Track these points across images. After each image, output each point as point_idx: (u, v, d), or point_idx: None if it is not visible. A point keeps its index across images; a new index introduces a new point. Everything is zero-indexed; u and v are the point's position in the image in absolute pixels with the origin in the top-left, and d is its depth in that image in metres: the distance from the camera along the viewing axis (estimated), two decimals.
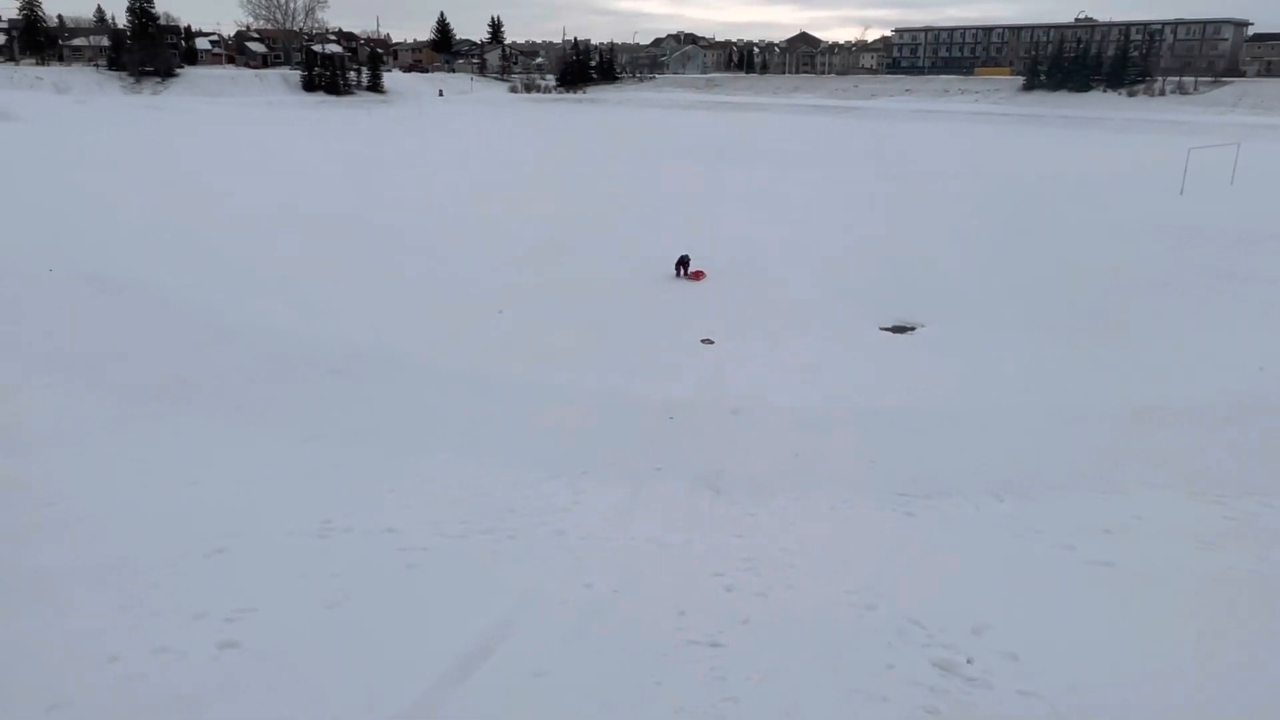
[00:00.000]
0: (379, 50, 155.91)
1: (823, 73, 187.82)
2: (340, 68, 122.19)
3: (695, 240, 26.98)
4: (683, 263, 23.55)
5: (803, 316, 20.26)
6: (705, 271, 23.64)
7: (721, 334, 18.67)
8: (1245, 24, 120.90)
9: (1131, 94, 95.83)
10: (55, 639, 5.94)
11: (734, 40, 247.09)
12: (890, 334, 19.09)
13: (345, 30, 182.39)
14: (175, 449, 11.58)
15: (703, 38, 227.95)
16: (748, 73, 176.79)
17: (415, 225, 30.57)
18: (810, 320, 19.96)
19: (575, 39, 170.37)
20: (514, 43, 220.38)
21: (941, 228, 30.83)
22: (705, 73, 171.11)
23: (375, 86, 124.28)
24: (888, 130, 77.14)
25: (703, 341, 18.20)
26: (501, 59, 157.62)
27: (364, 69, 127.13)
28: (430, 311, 20.16)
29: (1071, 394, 15.05)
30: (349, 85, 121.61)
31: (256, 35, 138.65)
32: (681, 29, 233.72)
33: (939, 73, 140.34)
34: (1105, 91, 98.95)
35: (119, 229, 28.08)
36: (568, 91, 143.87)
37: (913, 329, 19.38)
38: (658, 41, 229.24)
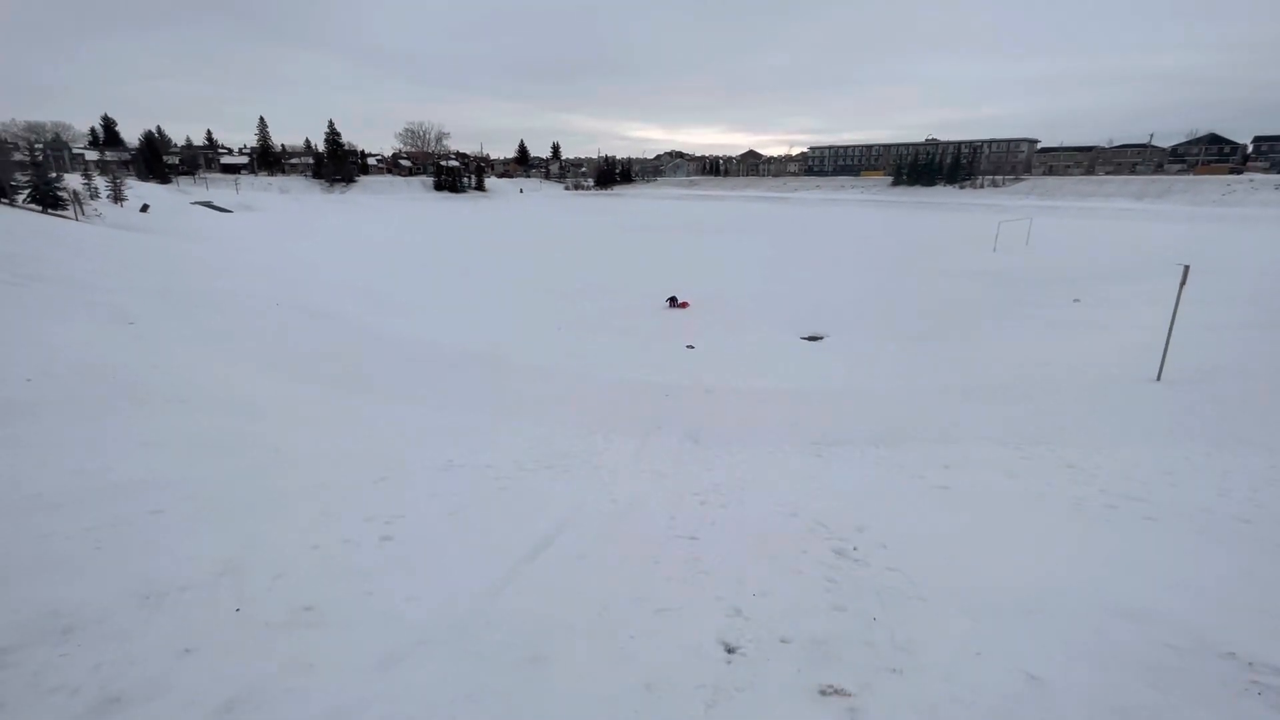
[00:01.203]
0: (482, 163, 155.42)
1: (764, 174, 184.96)
2: (458, 175, 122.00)
3: (681, 283, 26.81)
4: (672, 299, 23.34)
5: (753, 330, 20.15)
6: (689, 303, 23.48)
7: (700, 342, 18.65)
8: (1035, 141, 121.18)
9: (962, 187, 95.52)
10: (285, 535, 6.03)
11: (707, 155, 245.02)
12: (807, 342, 19.04)
13: (460, 151, 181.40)
14: (357, 414, 11.53)
15: (687, 153, 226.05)
16: (716, 175, 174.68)
17: (503, 269, 30.38)
18: (757, 332, 19.86)
19: (606, 155, 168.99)
20: (568, 158, 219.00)
21: (840, 272, 30.44)
22: (689, 175, 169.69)
23: (479, 186, 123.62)
24: (807, 211, 75.96)
25: (687, 347, 18.21)
26: (559, 169, 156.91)
27: (473, 175, 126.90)
28: (515, 326, 20.07)
29: (923, 379, 14.93)
30: (463, 186, 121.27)
31: (405, 155, 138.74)
32: (674, 148, 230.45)
33: (839, 174, 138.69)
34: (945, 185, 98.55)
35: (320, 279, 28.19)
36: (601, 189, 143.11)
37: (821, 338, 19.33)
38: (658, 156, 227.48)
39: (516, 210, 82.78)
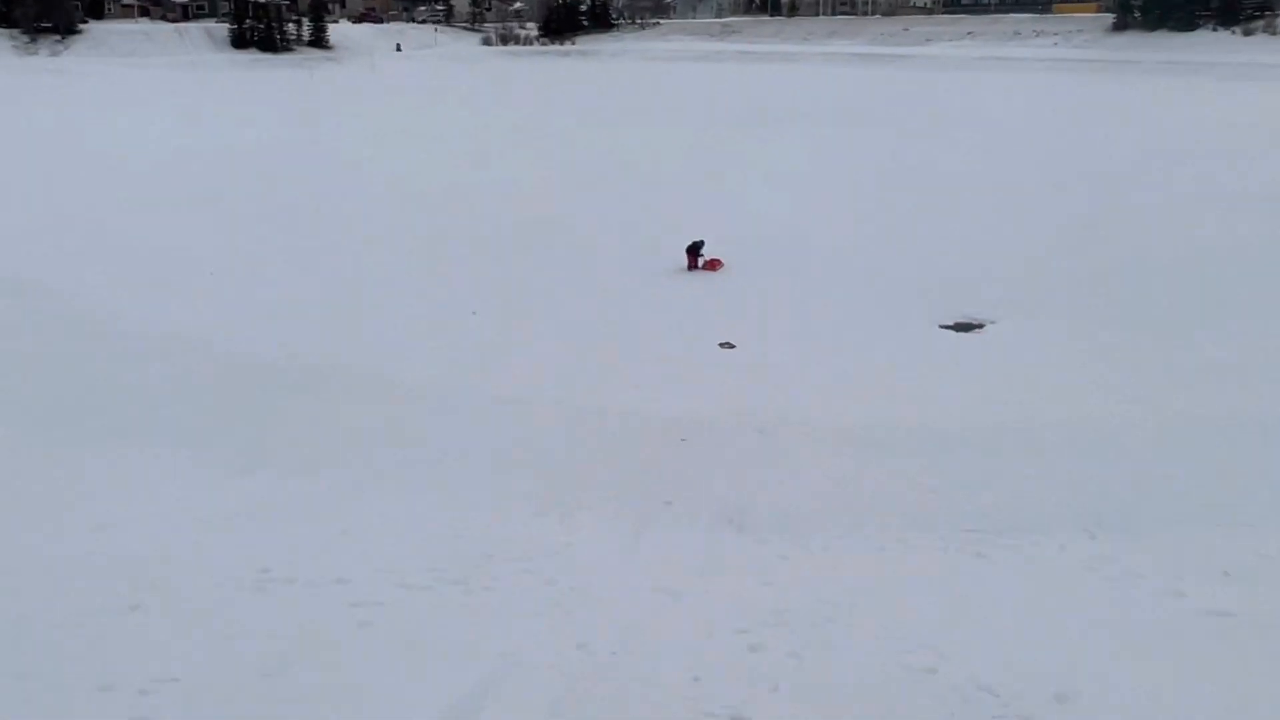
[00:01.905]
0: None
1: (865, 13, 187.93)
2: (277, 19, 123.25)
3: (710, 224, 27.38)
4: (695, 250, 23.79)
5: (844, 312, 20.53)
6: (722, 260, 23.91)
7: (744, 336, 18.96)
8: None
9: (1248, 33, 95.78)
10: None
11: None
12: (952, 332, 19.34)
13: None
14: (80, 484, 11.69)
15: None
16: (772, 15, 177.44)
17: (370, 212, 30.84)
18: (853, 317, 20.23)
19: None
20: None
21: (1015, 203, 30.99)
22: (720, 16, 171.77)
23: (319, 41, 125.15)
24: (945, 83, 77.27)
25: (721, 346, 18.49)
26: (472, 5, 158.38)
27: (305, 20, 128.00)
28: (391, 315, 20.53)
29: (1179, 403, 15.13)
30: (288, 40, 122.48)
31: None
32: None
33: (1008, 10, 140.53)
34: (1215, 30, 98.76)
35: (10, 223, 28.34)
36: (553, 43, 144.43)
37: (980, 326, 19.63)
38: None
39: (390, 87, 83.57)
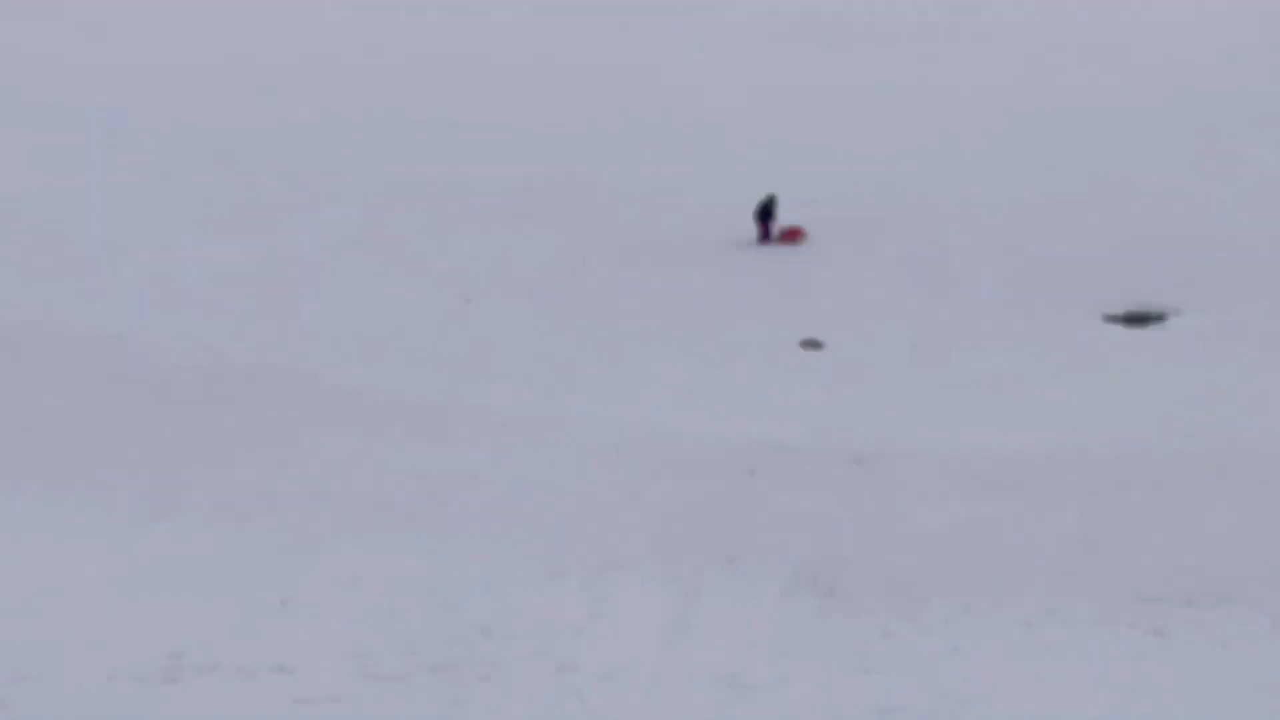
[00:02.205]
0: None
1: None
2: None
3: (787, 174, 27.07)
4: (767, 214, 23.87)
5: (971, 298, 20.59)
6: (804, 229, 23.97)
7: (834, 331, 19.05)
8: None
9: None
10: None
11: None
12: (1121, 326, 19.50)
13: None
14: None
15: None
16: None
17: (303, 153, 30.84)
18: (984, 304, 20.29)
19: None
20: None
21: (1211, 149, 30.50)
22: None
23: None
24: None
25: (804, 345, 18.66)
26: None
27: None
28: (353, 301, 20.69)
29: None
30: None
31: None
32: None
33: None
34: None
35: None
36: None
37: (1159, 318, 19.75)
38: None
39: None
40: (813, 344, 18.61)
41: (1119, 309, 20.06)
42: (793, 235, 23.75)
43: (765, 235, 23.76)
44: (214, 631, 9.56)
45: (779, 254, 23.22)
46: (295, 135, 34.12)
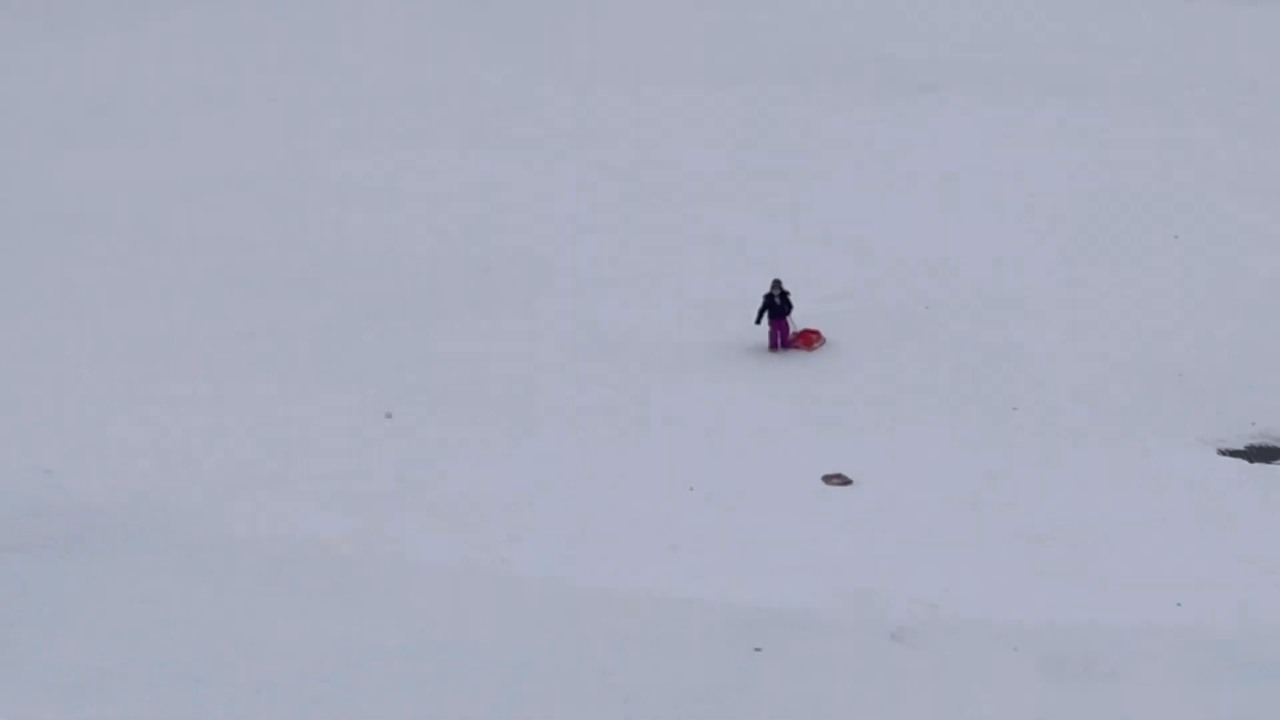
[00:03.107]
0: None
1: None
2: None
3: (800, 256, 27.84)
4: (776, 308, 23.95)
5: (1040, 421, 20.79)
6: (819, 332, 24.26)
7: (867, 464, 19.21)
8: None
9: None
10: None
11: None
12: (1243, 463, 19.58)
13: None
14: None
15: None
16: None
17: (165, 219, 31.35)
18: (1058, 430, 20.45)
19: None
20: None
21: None
22: None
23: None
24: (1227, 25, 77.35)
25: (828, 480, 18.84)
26: None
27: None
28: (236, 415, 20.93)
29: None
30: None
31: None
32: None
33: None
34: None
35: None
36: None
37: None
38: None
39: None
40: (838, 479, 18.72)
41: (1238, 440, 20.14)
42: (806, 340, 23.91)
43: (779, 340, 23.90)
44: None
45: (792, 361, 23.37)
46: (152, 191, 34.51)
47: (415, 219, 33.42)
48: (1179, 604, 15.32)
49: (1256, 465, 19.47)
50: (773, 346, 23.92)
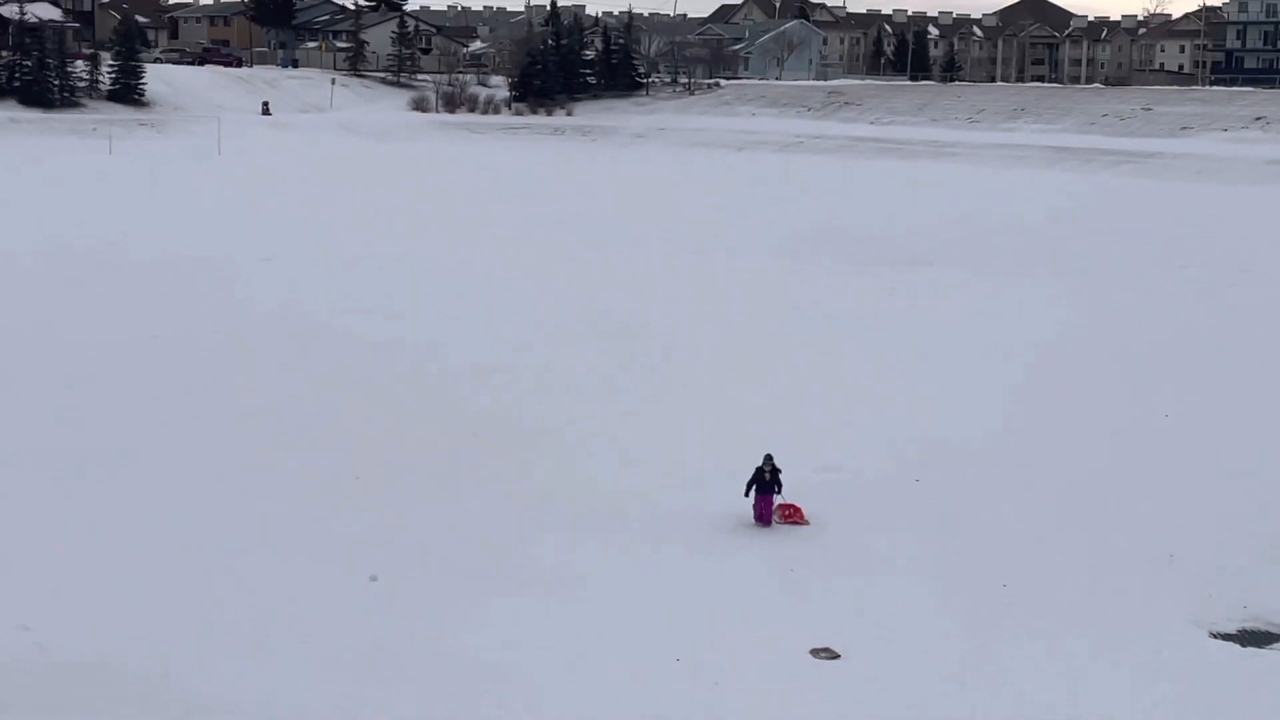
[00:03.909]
0: (138, 20, 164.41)
1: (1073, 80, 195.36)
2: (58, 52, 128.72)
3: (792, 426, 28.27)
4: (764, 483, 23.92)
5: (1036, 599, 20.84)
6: (800, 510, 24.25)
7: (855, 638, 19.23)
8: None
9: None
10: None
11: (882, 13, 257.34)
12: (1235, 647, 19.44)
13: None
14: None
15: (820, 6, 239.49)
16: (915, 78, 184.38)
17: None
18: (1046, 608, 20.52)
19: (553, 4, 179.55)
20: (424, 8, 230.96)
21: None
22: (825, 77, 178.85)
23: (129, 91, 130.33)
24: (1222, 203, 79.28)
25: (815, 654, 18.79)
26: (398, 43, 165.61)
27: (105, 56, 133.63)
28: (205, 571, 20.97)
29: None
30: (72, 88, 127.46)
31: None
32: None
33: None
34: None
35: None
36: (535, 111, 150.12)
37: None
38: (726, 12, 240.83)
39: (241, 189, 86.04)
40: (825, 653, 18.64)
41: (1229, 624, 20.04)
42: (790, 516, 23.95)
43: (765, 514, 23.86)
44: None
45: (780, 533, 23.57)
46: (146, 345, 34.97)
47: (405, 378, 33.93)
48: None
49: (1249, 649, 19.31)
50: (760, 521, 23.85)
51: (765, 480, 23.80)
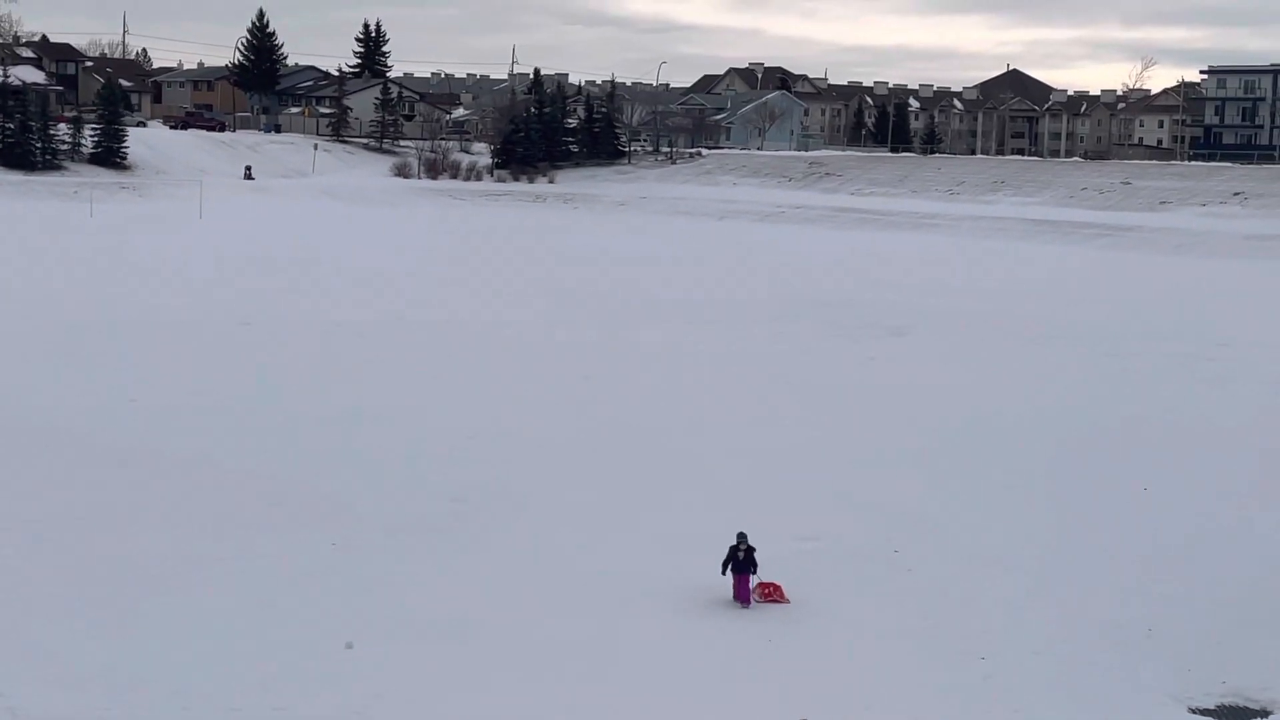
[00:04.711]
0: (122, 84, 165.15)
1: (1053, 153, 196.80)
2: (40, 114, 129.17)
3: (771, 495, 28.49)
4: (739, 563, 23.57)
5: (1013, 672, 20.85)
6: (780, 588, 23.90)
7: (835, 709, 19.23)
8: None
9: None
10: None
11: (864, 85, 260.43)
12: None
13: (55, 40, 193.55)
14: None
15: (802, 78, 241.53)
16: (895, 149, 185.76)
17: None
18: (1030, 681, 20.54)
19: (536, 73, 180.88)
20: (408, 75, 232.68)
21: None
22: (807, 147, 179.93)
23: (112, 155, 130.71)
24: (1201, 277, 79.81)
25: None
26: (381, 109, 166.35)
27: (89, 118, 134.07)
28: (180, 636, 20.99)
29: None
30: (55, 151, 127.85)
31: None
32: (759, 59, 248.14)
33: None
34: None
35: None
36: (518, 178, 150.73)
37: (1265, 716, 19.71)
38: (709, 82, 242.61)
39: (222, 250, 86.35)
40: None
41: (1208, 699, 20.02)
42: (768, 594, 23.65)
43: (744, 593, 23.53)
44: None
45: (759, 616, 23.28)
46: (120, 412, 34.91)
47: (384, 445, 33.97)
48: None
49: None
50: (739, 600, 23.51)
51: (740, 560, 23.50)
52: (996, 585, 24.88)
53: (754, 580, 23.63)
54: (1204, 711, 19.70)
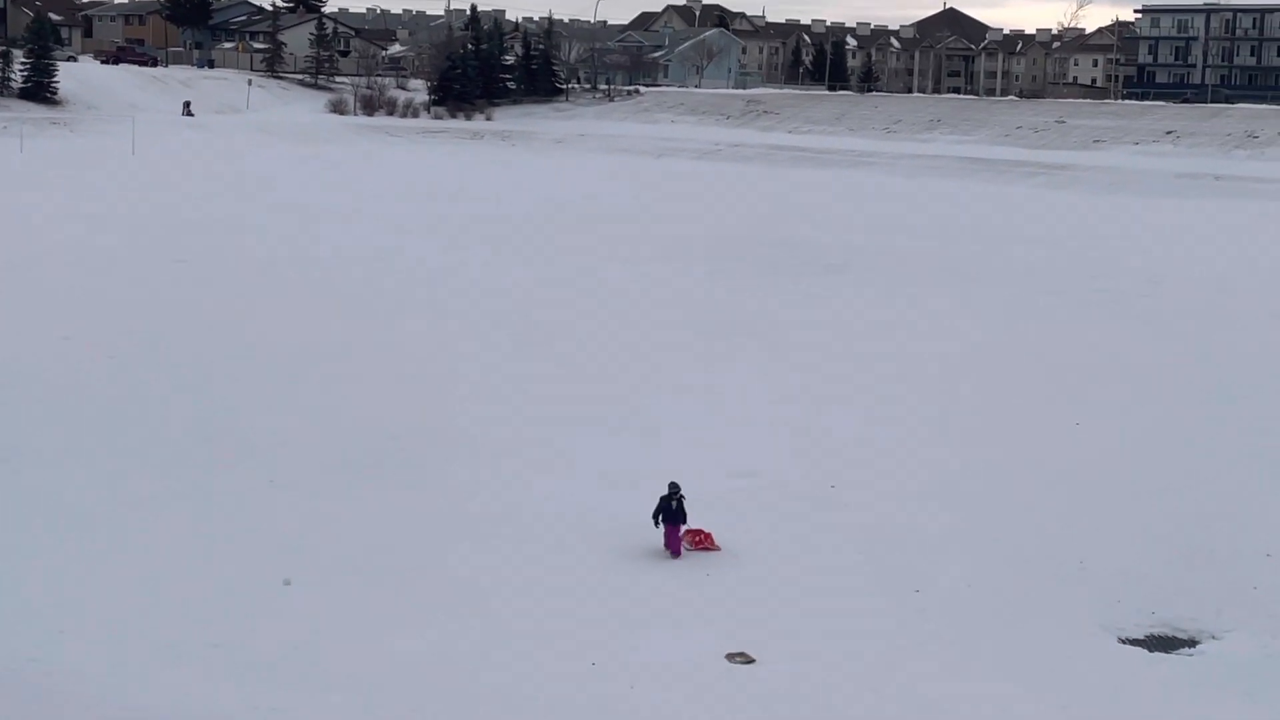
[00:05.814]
0: (52, 17, 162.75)
1: (989, 92, 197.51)
2: None
3: (708, 432, 28.59)
4: (670, 512, 23.24)
5: (947, 604, 21.03)
6: (712, 535, 23.66)
7: (770, 642, 19.38)
8: None
9: None
10: None
11: (801, 23, 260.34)
12: (1144, 652, 19.67)
13: None
14: None
15: (740, 15, 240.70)
16: (833, 88, 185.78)
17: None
18: (955, 615, 20.71)
19: (473, 9, 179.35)
20: (343, 10, 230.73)
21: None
22: (744, 86, 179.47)
23: (42, 90, 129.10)
24: (1133, 215, 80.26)
25: (730, 659, 18.88)
26: (316, 44, 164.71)
27: (18, 53, 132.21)
28: (117, 575, 20.75)
29: None
30: None
31: None
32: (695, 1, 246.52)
33: (1239, 97, 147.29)
34: None
35: None
36: (455, 115, 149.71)
37: (1191, 644, 19.99)
38: (646, 20, 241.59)
39: (152, 189, 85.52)
40: (742, 657, 18.72)
41: (1137, 629, 20.27)
42: (699, 542, 23.38)
43: (675, 542, 23.17)
44: None
45: (694, 565, 22.94)
46: (56, 349, 34.60)
47: (322, 382, 33.80)
48: None
49: (1156, 654, 19.54)
50: (670, 550, 23.14)
51: (671, 509, 23.17)
52: (931, 520, 25.07)
53: (684, 529, 23.47)
54: (1133, 642, 19.93)
